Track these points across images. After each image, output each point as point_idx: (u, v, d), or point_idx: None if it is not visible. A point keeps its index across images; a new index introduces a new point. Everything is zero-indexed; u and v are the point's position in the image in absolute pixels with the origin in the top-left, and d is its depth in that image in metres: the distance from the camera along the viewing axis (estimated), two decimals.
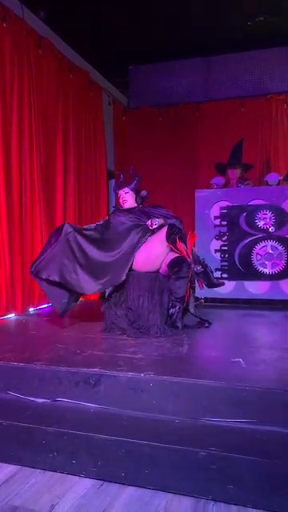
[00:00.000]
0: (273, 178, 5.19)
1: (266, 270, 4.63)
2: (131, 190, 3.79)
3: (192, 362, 2.58)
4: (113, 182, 7.03)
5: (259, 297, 4.71)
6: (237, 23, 5.71)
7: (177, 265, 3.30)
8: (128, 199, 3.78)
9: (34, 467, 2.09)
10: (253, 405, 2.09)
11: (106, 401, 2.31)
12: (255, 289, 4.67)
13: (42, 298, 4.71)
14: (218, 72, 6.89)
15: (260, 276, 4.64)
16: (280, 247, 4.60)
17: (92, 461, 1.99)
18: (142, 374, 2.29)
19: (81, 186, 5.61)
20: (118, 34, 5.79)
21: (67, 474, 2.03)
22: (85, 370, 2.40)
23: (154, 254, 3.39)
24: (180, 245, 3.29)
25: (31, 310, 4.54)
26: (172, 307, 3.38)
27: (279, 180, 5.21)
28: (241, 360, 2.55)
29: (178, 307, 3.38)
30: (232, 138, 6.36)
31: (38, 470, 2.07)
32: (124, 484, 1.93)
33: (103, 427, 2.08)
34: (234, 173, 5.50)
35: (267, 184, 5.15)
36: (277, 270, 4.62)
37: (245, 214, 4.68)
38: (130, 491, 1.89)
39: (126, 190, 3.79)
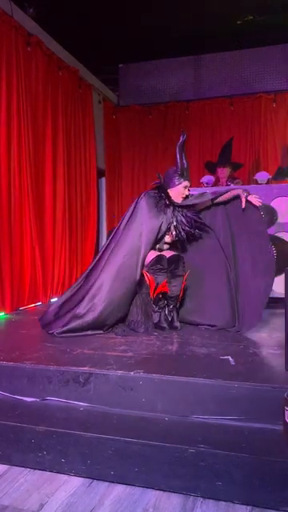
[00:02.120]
0: (262, 176, 5.23)
1: None
2: None
3: (181, 360, 2.58)
4: (103, 180, 7.03)
5: None
6: (226, 22, 5.72)
7: (173, 262, 3.30)
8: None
9: (23, 466, 2.09)
10: (241, 402, 2.11)
11: (96, 399, 2.31)
12: None
13: (32, 297, 4.70)
14: (207, 71, 6.91)
15: None
16: None
17: (81, 459, 2.00)
18: (132, 373, 2.30)
19: (70, 184, 5.59)
20: (107, 32, 5.77)
21: (56, 472, 2.03)
22: (74, 368, 2.40)
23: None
24: (151, 279, 3.22)
25: (21, 309, 4.51)
26: (167, 306, 3.36)
27: (268, 179, 5.24)
28: (230, 357, 2.57)
29: (171, 306, 3.36)
30: (222, 137, 6.40)
31: (28, 469, 2.07)
32: (113, 482, 1.93)
33: (92, 426, 2.08)
34: (224, 171, 5.53)
35: (257, 183, 5.18)
36: None
37: None
38: (119, 489, 1.89)
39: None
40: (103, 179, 7.03)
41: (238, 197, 3.38)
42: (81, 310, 3.15)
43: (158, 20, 5.59)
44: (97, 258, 3.46)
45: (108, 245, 3.41)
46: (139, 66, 7.15)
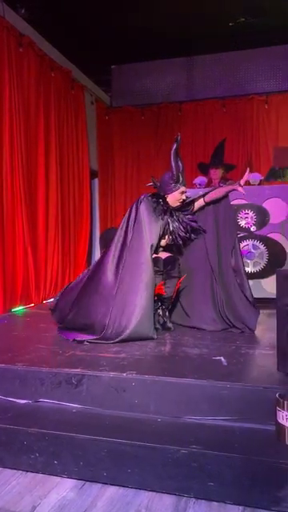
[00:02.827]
0: (254, 177, 5.24)
1: (248, 269, 4.67)
2: None
3: (174, 361, 2.59)
4: (96, 181, 7.03)
5: None
6: (218, 24, 5.74)
7: (169, 263, 3.32)
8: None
9: (15, 469, 2.08)
10: (234, 402, 2.12)
11: (89, 401, 2.30)
12: None
13: (24, 298, 4.68)
14: (200, 72, 6.94)
15: None
16: (261, 246, 4.65)
17: (74, 461, 1.99)
18: (125, 374, 2.30)
19: (63, 185, 5.58)
20: (100, 33, 5.77)
21: (49, 474, 2.02)
22: (67, 370, 2.39)
23: None
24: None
25: (13, 310, 4.50)
26: (159, 308, 3.37)
27: (261, 180, 5.26)
28: (222, 358, 2.58)
29: (164, 307, 3.37)
30: (214, 138, 6.43)
31: (20, 472, 2.06)
32: (106, 484, 1.93)
33: (85, 427, 2.08)
34: (217, 173, 5.54)
35: (249, 184, 5.19)
36: (258, 268, 4.67)
37: None
38: (111, 491, 1.89)
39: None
40: (96, 180, 7.03)
41: (228, 194, 3.44)
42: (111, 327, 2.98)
43: (150, 21, 5.60)
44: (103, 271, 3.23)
45: (119, 256, 3.20)
46: (132, 67, 7.16)
